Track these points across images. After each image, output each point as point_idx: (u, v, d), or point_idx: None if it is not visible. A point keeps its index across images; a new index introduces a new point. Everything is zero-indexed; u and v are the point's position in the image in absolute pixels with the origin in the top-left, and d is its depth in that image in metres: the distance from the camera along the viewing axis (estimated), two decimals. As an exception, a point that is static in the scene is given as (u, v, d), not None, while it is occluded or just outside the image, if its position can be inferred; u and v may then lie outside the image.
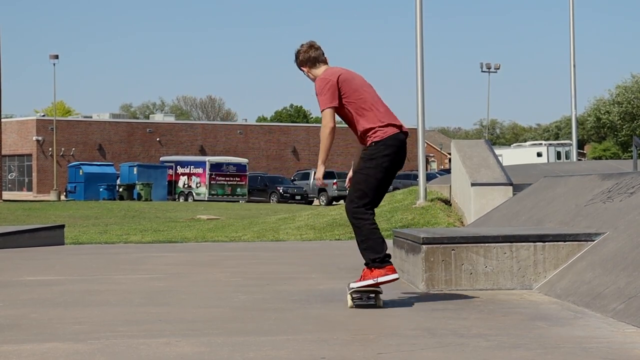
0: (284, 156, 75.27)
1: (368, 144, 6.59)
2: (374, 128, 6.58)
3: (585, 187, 9.86)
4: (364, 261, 6.54)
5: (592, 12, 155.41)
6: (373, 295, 6.47)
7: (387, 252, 6.52)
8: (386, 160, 6.54)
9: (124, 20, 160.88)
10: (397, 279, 6.51)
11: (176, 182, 55.00)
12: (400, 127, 6.67)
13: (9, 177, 67.32)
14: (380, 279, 6.42)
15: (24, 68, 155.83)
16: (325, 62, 6.84)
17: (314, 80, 6.75)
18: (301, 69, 6.88)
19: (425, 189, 19.84)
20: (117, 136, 69.57)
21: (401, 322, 6.02)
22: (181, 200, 52.94)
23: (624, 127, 74.39)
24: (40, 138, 66.37)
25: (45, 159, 66.45)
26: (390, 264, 6.50)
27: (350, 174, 6.77)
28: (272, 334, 5.51)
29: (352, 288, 6.49)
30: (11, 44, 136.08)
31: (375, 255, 6.43)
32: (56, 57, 61.70)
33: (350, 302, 6.51)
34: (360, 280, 6.48)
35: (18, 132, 67.30)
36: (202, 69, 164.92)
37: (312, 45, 6.83)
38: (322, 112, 6.57)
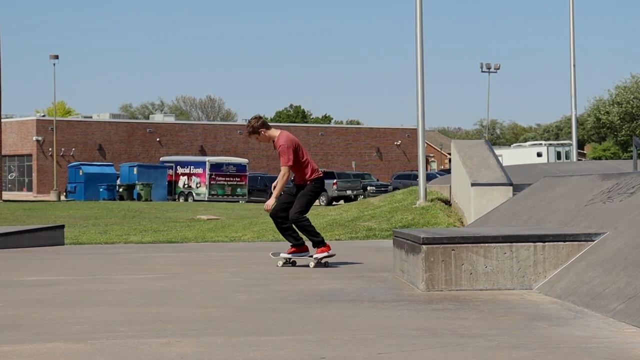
0: (283, 156, 75.18)
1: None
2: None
3: (585, 187, 9.86)
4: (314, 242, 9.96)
5: (592, 12, 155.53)
6: (324, 261, 9.96)
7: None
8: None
9: (124, 20, 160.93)
10: (334, 254, 10.05)
11: (176, 182, 54.98)
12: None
13: (9, 177, 67.33)
14: (325, 254, 9.95)
15: (24, 68, 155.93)
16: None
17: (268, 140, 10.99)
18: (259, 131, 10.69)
19: (425, 189, 19.85)
20: (117, 136, 69.57)
21: (401, 322, 6.02)
22: (181, 200, 52.94)
23: (624, 127, 74.39)
24: (40, 138, 66.37)
25: (45, 159, 66.45)
26: (326, 244, 10.02)
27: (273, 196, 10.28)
28: (272, 334, 5.51)
29: (317, 258, 9.94)
30: (11, 44, 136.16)
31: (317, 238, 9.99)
32: (56, 57, 61.67)
33: (311, 265, 9.93)
34: (318, 253, 9.95)
35: (18, 132, 67.30)
36: (201, 69, 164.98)
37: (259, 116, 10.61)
38: (283, 166, 10.69)
